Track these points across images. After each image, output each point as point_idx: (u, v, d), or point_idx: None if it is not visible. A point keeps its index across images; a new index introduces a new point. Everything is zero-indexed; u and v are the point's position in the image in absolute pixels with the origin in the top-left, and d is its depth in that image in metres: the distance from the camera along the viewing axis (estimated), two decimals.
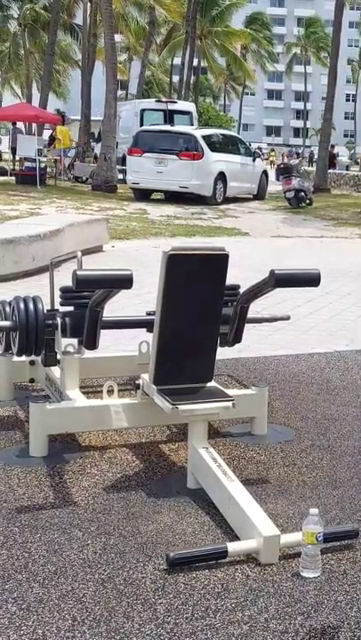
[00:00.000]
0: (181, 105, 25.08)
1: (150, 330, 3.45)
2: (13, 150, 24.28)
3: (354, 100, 74.53)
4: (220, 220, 15.22)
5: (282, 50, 74.45)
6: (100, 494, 3.10)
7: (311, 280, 3.41)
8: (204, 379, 3.30)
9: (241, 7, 52.97)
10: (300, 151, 53.08)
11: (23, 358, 4.03)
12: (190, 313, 3.20)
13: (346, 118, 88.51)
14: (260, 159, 23.46)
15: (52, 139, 22.79)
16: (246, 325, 3.89)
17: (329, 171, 27.54)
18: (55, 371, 3.89)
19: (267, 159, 45.44)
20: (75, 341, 3.72)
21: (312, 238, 13.27)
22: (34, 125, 26.28)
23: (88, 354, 3.79)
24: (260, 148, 47.90)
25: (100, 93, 24.02)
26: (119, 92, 37.14)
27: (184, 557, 2.56)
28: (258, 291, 3.53)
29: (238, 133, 41.20)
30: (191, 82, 43.07)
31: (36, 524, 2.82)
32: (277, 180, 23.55)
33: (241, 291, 3.86)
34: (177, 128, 19.43)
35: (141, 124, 21.83)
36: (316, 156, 31.90)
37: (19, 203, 15.42)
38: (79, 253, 3.91)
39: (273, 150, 53.95)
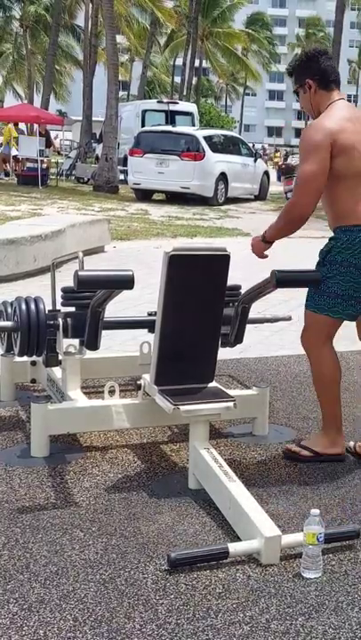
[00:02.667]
0: (183, 106, 25.08)
1: (152, 330, 3.45)
2: None
3: (355, 101, 74.46)
4: (222, 220, 15.22)
5: (286, 50, 74.43)
6: (101, 495, 3.10)
7: (313, 280, 3.41)
8: (205, 379, 3.30)
9: (242, 8, 53.00)
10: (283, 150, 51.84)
11: (25, 359, 4.04)
12: (192, 313, 3.20)
13: None
14: (262, 160, 23.44)
15: (47, 140, 22.84)
16: (248, 326, 3.89)
17: None
18: (57, 371, 3.90)
19: (270, 160, 45.35)
20: (76, 342, 3.72)
21: (313, 238, 13.27)
22: (35, 126, 26.28)
23: (89, 354, 3.79)
24: (264, 149, 47.74)
25: (102, 94, 24.03)
26: (121, 93, 37.15)
27: (185, 558, 2.56)
28: (259, 291, 3.54)
29: (240, 134, 41.18)
30: (193, 82, 43.07)
31: (38, 524, 2.83)
32: (279, 180, 23.55)
33: (242, 291, 3.86)
34: (178, 129, 19.43)
35: (143, 125, 21.84)
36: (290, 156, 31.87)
37: (20, 203, 15.43)
38: (81, 254, 3.92)
39: (277, 151, 53.70)
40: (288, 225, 3.45)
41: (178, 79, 48.08)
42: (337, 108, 3.38)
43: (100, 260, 8.77)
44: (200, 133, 18.77)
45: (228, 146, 19.46)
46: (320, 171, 3.24)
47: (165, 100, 27.30)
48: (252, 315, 3.91)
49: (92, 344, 3.52)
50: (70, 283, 3.16)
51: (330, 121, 3.30)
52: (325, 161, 3.24)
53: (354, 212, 3.36)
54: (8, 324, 3.71)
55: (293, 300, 6.96)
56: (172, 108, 23.34)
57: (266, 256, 3.65)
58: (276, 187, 23.49)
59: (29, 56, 43.92)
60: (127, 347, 5.11)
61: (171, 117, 22.37)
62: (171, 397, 3.13)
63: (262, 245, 3.61)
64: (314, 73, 3.42)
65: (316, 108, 3.45)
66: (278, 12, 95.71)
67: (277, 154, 50.87)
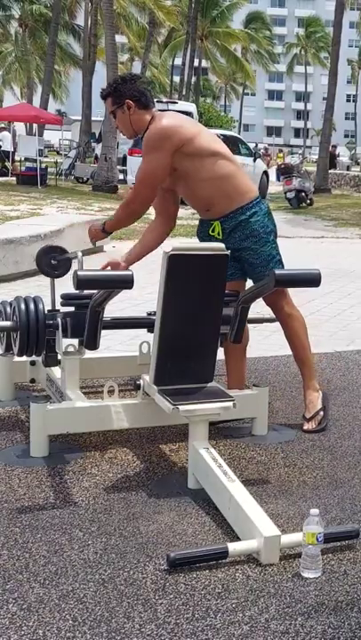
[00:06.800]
0: (182, 105, 25.00)
1: (151, 330, 3.45)
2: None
3: (354, 101, 74.54)
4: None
5: (282, 50, 74.47)
6: (100, 494, 3.10)
7: (312, 280, 3.41)
8: (204, 379, 3.30)
9: (241, 7, 52.99)
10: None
11: (24, 358, 4.03)
12: (191, 313, 3.20)
13: (346, 119, 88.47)
14: (262, 159, 23.42)
15: None
16: (248, 325, 3.89)
17: (330, 171, 27.55)
18: (56, 371, 3.90)
19: (273, 159, 45.35)
20: (75, 342, 3.72)
21: (313, 238, 13.29)
22: (34, 126, 26.29)
23: (89, 354, 3.79)
24: (266, 149, 47.60)
25: None
26: None
27: (185, 558, 2.56)
28: (259, 291, 3.53)
29: (239, 134, 41.17)
30: (192, 82, 43.06)
31: (37, 524, 2.82)
32: (278, 180, 23.57)
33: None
34: None
35: None
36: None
37: (19, 203, 15.43)
38: (80, 253, 3.92)
39: (281, 151, 53.37)
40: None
41: (177, 79, 48.07)
42: (166, 114, 3.77)
43: (99, 260, 8.76)
44: None
45: (228, 145, 19.39)
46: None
47: (165, 100, 27.27)
48: (251, 315, 3.90)
49: (92, 344, 3.52)
50: (70, 282, 3.15)
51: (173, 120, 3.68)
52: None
53: (251, 185, 3.88)
54: (7, 323, 3.71)
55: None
56: (172, 107, 23.27)
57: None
58: (275, 187, 23.48)
59: (29, 55, 43.89)
60: (127, 347, 5.11)
61: None
62: (170, 397, 3.13)
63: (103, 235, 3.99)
64: (133, 94, 3.65)
65: (136, 125, 3.68)
66: (277, 12, 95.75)
67: (280, 154, 50.72)
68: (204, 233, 3.90)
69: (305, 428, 3.90)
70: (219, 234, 3.79)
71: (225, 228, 3.78)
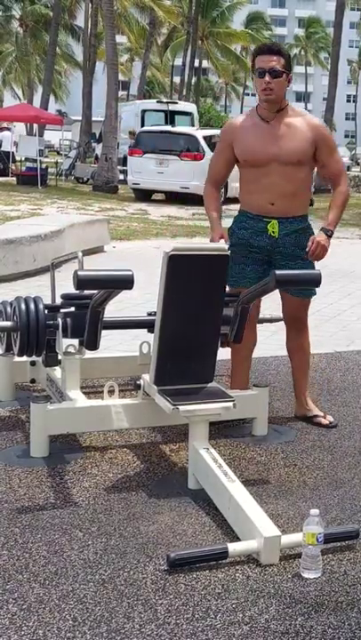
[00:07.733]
0: (182, 106, 25.08)
1: (151, 330, 3.45)
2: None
3: (354, 101, 74.52)
4: (221, 220, 15.20)
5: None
6: (100, 495, 3.10)
7: (312, 281, 3.42)
8: (204, 379, 3.30)
9: (242, 8, 53.01)
10: None
11: (24, 359, 4.03)
12: (191, 313, 3.20)
13: (347, 119, 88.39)
14: None
15: None
16: None
17: None
18: (56, 371, 3.90)
19: None
20: (75, 342, 3.72)
21: None
22: (35, 126, 26.30)
23: (89, 354, 3.79)
24: None
25: (102, 94, 24.04)
26: (120, 93, 37.13)
27: (185, 558, 2.56)
28: (260, 291, 3.53)
29: None
30: (192, 82, 43.06)
31: (37, 524, 2.82)
32: None
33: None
34: (178, 129, 19.43)
35: (142, 125, 21.84)
36: None
37: (20, 203, 15.43)
38: (80, 254, 3.91)
39: None
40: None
41: (177, 79, 48.09)
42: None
43: (99, 260, 8.77)
44: (200, 133, 18.77)
45: None
46: None
47: (165, 100, 27.29)
48: None
49: (92, 344, 3.51)
50: (70, 282, 3.15)
51: None
52: None
53: None
54: (7, 323, 3.71)
55: None
56: (172, 107, 23.34)
57: None
58: None
59: (29, 56, 43.92)
60: (127, 347, 5.11)
61: (170, 117, 22.37)
62: (170, 397, 3.13)
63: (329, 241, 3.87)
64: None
65: (283, 99, 3.78)
66: (278, 12, 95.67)
67: None
68: (252, 230, 3.88)
69: (328, 419, 4.04)
70: (274, 232, 3.84)
71: (281, 229, 3.83)
